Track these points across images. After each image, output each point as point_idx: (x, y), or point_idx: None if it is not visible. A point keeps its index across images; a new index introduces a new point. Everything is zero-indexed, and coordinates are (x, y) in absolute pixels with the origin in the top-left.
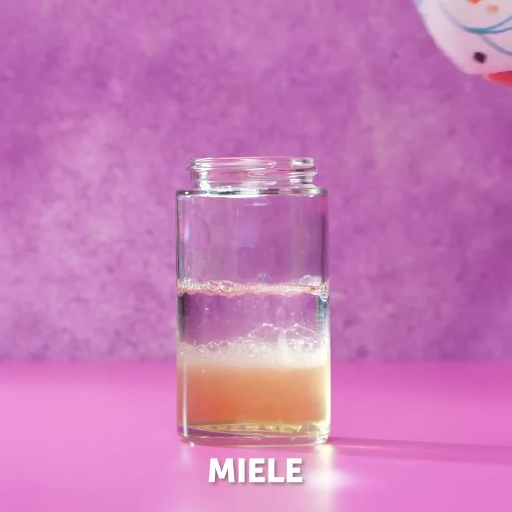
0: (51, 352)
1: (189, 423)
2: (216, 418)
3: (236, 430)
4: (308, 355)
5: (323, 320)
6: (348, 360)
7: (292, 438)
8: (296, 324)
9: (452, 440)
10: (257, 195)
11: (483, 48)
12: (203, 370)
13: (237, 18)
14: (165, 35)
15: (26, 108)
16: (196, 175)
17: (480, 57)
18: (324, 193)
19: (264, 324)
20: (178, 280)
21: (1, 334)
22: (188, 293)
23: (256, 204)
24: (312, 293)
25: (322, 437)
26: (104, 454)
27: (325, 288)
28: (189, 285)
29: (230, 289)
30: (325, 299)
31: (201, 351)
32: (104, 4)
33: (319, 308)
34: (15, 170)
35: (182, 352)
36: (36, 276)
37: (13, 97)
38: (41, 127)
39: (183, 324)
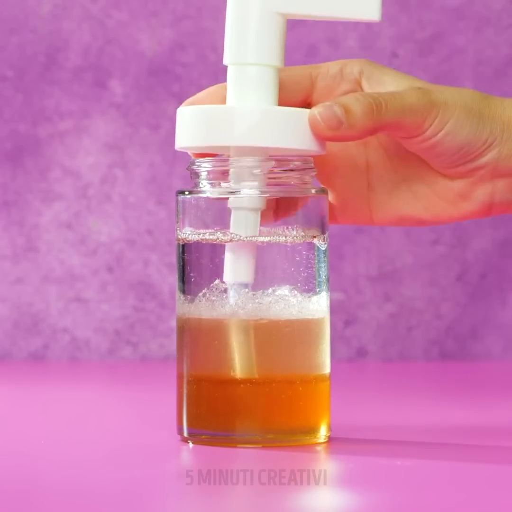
0: (51, 352)
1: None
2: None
3: (236, 431)
4: (306, 305)
5: (323, 270)
6: (348, 360)
7: (292, 439)
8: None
9: (452, 440)
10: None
11: None
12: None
13: None
14: (165, 35)
15: (26, 108)
16: (196, 175)
17: None
18: (324, 193)
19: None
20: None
21: (1, 334)
22: (188, 242)
23: None
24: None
25: (322, 436)
26: (103, 454)
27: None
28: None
29: (229, 236)
30: (323, 248)
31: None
32: (104, 4)
33: (318, 258)
34: (15, 170)
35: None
36: (36, 276)
37: (13, 97)
38: (41, 127)
39: (182, 276)
